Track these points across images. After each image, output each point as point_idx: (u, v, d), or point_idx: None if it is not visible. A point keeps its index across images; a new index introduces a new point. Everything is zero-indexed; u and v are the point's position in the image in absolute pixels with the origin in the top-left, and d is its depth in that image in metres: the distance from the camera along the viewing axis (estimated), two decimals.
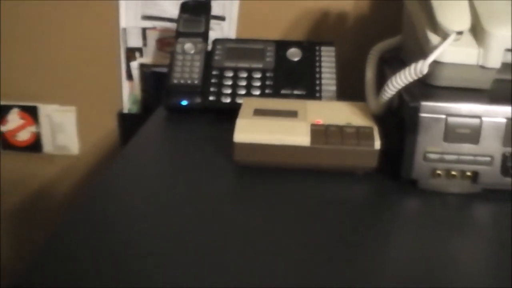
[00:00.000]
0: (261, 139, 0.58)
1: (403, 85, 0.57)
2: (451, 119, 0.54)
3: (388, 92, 0.58)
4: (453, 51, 0.56)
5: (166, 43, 0.97)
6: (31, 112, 1.03)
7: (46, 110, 1.03)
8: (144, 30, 0.96)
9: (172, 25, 0.95)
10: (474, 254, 0.47)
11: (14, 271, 1.12)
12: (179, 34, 0.78)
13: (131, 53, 0.98)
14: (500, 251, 0.47)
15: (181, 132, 0.71)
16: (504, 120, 0.54)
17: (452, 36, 0.55)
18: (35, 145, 1.05)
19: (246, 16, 0.94)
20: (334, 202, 0.54)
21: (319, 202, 0.54)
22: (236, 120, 0.60)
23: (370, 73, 0.69)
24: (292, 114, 0.62)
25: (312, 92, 0.75)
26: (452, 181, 0.56)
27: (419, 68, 0.55)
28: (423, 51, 0.58)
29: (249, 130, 0.59)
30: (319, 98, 0.74)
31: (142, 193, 0.55)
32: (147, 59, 0.98)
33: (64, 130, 1.04)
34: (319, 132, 0.58)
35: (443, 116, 0.54)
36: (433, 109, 0.54)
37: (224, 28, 0.95)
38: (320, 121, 0.60)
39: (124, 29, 0.97)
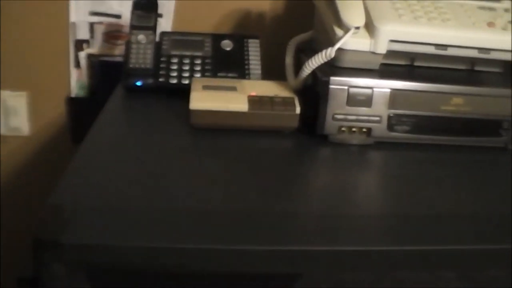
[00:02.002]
0: (211, 106, 0.76)
1: (316, 66, 0.76)
2: (352, 90, 0.73)
3: (305, 71, 0.77)
4: (352, 41, 0.76)
5: (111, 36, 1.11)
6: None
7: None
8: (91, 24, 1.11)
9: (117, 21, 1.10)
10: (368, 184, 0.67)
11: None
12: (133, 27, 0.93)
13: (80, 44, 1.12)
14: (386, 182, 0.67)
15: (139, 107, 0.86)
16: (389, 90, 0.74)
17: (352, 30, 0.75)
18: None
19: (181, 13, 1.11)
20: (267, 152, 0.72)
21: (256, 152, 0.72)
22: (190, 93, 0.77)
23: (289, 59, 0.89)
24: (233, 88, 0.80)
25: (242, 74, 0.93)
26: (353, 135, 0.76)
27: (328, 53, 0.75)
28: (330, 41, 0.77)
29: (201, 100, 0.76)
30: (248, 78, 0.93)
31: (120, 150, 0.70)
32: (94, 49, 1.12)
33: (16, 113, 1.15)
34: (254, 101, 0.76)
35: (346, 87, 0.73)
36: (339, 82, 0.73)
37: (162, 23, 1.11)
38: (254, 93, 0.78)
39: (74, 23, 1.10)
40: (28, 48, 1.11)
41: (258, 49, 0.97)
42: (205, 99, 0.77)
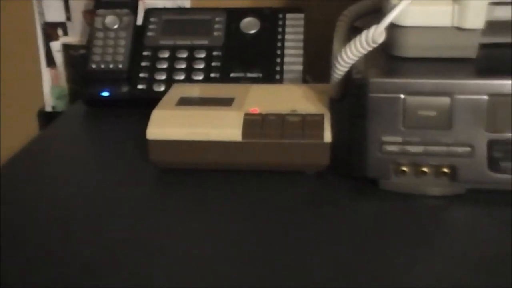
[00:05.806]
0: (180, 134, 0.67)
1: (355, 59, 0.65)
2: (412, 99, 0.61)
3: (339, 69, 0.66)
4: (418, 11, 0.63)
5: None
6: None
7: None
8: (66, 0, 1.06)
9: None
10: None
11: None
12: (99, 4, 0.87)
13: (52, 30, 1.08)
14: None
15: (98, 131, 0.80)
16: (486, 97, 0.61)
17: None
18: None
19: None
20: (272, 208, 0.62)
21: (254, 208, 0.63)
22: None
23: (337, 45, 0.77)
24: (226, 102, 0.70)
25: (270, 74, 0.84)
26: (423, 179, 0.63)
27: (371, 36, 0.63)
28: (383, 13, 0.65)
29: (167, 124, 0.68)
30: (280, 81, 0.83)
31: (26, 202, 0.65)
32: (73, 37, 1.07)
33: None
34: (254, 123, 0.66)
35: (401, 96, 0.61)
36: (387, 87, 0.61)
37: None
38: (257, 109, 0.68)
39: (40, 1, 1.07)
40: None
41: (301, 30, 0.87)
42: (172, 121, 0.68)
